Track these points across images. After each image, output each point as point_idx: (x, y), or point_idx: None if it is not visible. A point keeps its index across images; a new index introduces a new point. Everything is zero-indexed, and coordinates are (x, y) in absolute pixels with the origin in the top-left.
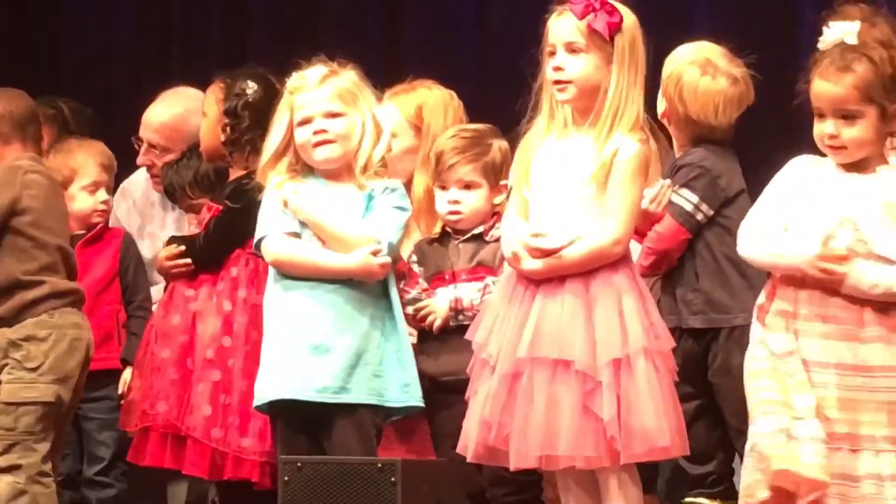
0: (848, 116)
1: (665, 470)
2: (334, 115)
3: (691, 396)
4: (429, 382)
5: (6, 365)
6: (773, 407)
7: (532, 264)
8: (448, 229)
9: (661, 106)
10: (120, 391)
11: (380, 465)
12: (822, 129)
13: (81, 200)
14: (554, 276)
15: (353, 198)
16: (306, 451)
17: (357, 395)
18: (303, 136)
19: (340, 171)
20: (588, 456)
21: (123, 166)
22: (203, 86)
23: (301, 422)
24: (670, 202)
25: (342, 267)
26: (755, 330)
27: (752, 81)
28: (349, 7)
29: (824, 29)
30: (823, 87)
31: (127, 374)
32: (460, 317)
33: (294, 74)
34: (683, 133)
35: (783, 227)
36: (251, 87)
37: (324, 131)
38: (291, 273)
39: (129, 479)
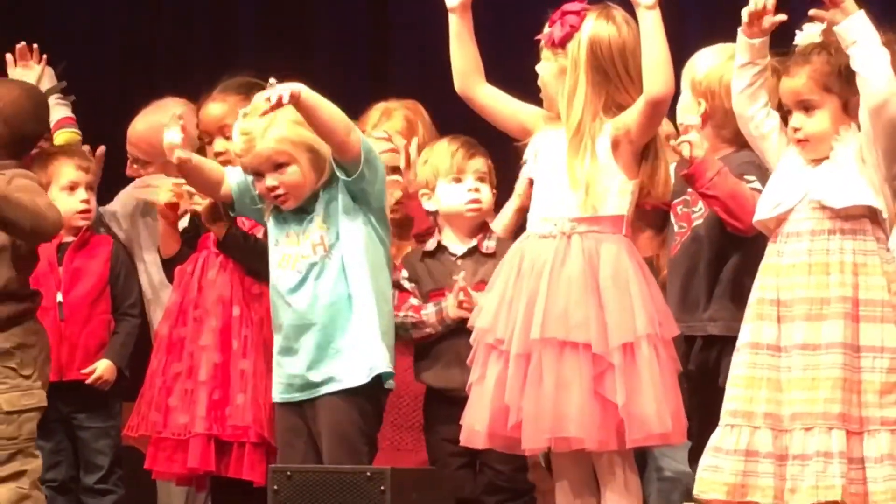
0: (808, 108)
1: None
2: (280, 167)
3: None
4: (429, 393)
5: None
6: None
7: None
8: (443, 244)
9: (692, 111)
10: (90, 380)
11: (369, 473)
12: (790, 123)
13: (61, 202)
14: None
15: (312, 207)
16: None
17: (323, 387)
18: (260, 189)
19: None
20: (599, 439)
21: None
22: (189, 97)
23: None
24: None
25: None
26: None
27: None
28: (335, 17)
29: (797, 32)
30: (784, 82)
31: (104, 371)
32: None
33: (239, 121)
34: (726, 130)
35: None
36: None
37: (275, 187)
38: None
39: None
